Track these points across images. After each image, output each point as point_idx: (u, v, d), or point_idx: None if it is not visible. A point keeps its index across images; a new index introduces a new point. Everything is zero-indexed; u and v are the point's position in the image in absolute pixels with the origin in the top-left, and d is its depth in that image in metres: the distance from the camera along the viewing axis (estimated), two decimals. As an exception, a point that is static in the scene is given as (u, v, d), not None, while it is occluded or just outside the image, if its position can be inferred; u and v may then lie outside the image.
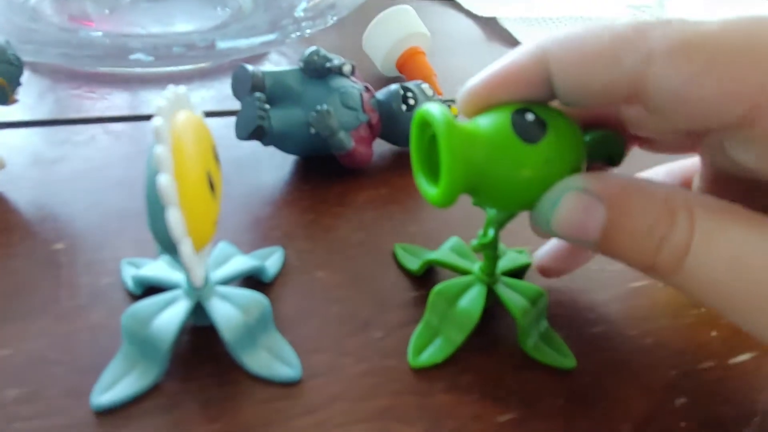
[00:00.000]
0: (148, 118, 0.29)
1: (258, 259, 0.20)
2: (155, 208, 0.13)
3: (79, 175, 0.24)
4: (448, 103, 0.27)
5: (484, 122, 0.14)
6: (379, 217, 0.24)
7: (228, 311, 0.17)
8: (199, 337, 0.17)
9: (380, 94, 0.26)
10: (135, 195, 0.23)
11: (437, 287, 0.18)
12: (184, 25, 0.35)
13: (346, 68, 0.24)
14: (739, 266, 0.11)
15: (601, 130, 0.16)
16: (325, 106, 0.23)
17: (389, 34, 0.33)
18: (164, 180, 0.12)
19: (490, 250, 0.18)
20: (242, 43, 0.29)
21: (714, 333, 0.19)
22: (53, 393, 0.15)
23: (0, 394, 0.15)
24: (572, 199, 0.13)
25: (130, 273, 0.19)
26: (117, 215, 0.22)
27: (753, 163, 0.12)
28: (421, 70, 0.33)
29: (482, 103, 0.14)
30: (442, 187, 0.13)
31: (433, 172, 0.15)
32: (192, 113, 0.15)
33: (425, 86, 0.26)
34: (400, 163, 0.27)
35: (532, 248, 0.21)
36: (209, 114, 0.30)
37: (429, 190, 0.15)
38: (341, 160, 0.25)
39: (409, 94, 0.25)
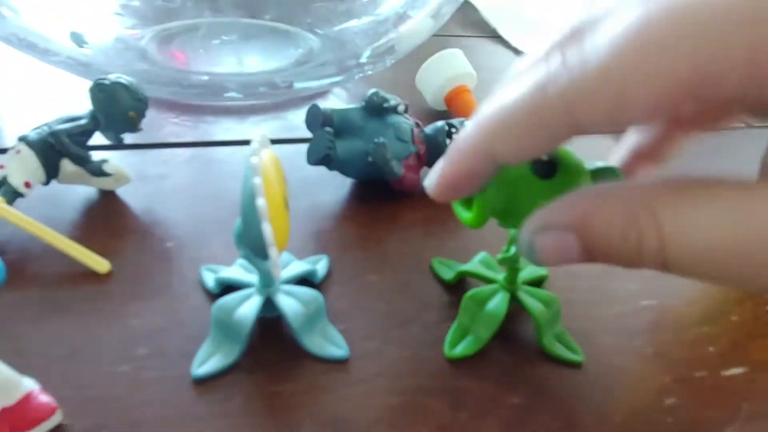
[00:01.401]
0: (232, 143, 0.35)
1: (310, 264, 0.24)
2: (251, 223, 0.17)
3: (180, 189, 0.30)
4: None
5: None
6: (422, 234, 0.28)
7: (292, 304, 0.21)
8: (267, 326, 0.22)
9: (428, 129, 0.30)
10: (222, 206, 0.28)
11: (469, 293, 0.22)
12: (265, 62, 0.41)
13: (401, 107, 0.29)
14: (713, 243, 0.11)
15: (601, 164, 0.19)
16: (381, 139, 0.27)
17: (439, 74, 0.37)
18: (261, 202, 0.17)
19: (513, 263, 0.21)
20: (315, 84, 0.35)
21: (712, 348, 0.21)
22: (170, 352, 0.20)
23: (134, 351, 0.20)
24: (545, 240, 0.14)
25: (209, 276, 0.24)
26: (210, 222, 0.27)
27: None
28: (467, 106, 0.37)
29: (444, 199, 0.16)
30: (474, 213, 0.17)
31: (466, 199, 0.19)
32: (271, 151, 0.20)
33: (467, 122, 0.30)
34: (443, 188, 0.31)
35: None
36: (282, 141, 0.35)
37: (464, 214, 0.18)
38: (392, 184, 0.29)
39: (453, 130, 0.29)
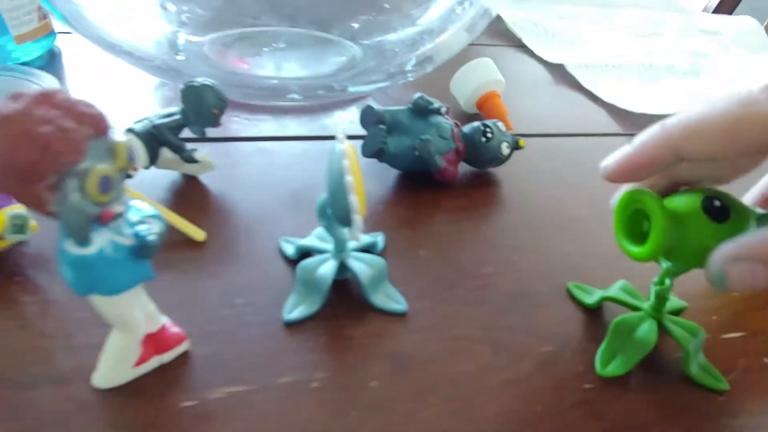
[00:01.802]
0: (290, 138, 0.40)
1: (371, 238, 0.29)
2: (339, 196, 0.22)
3: (249, 176, 0.35)
4: (517, 137, 0.36)
5: (680, 204, 0.20)
6: (460, 217, 0.32)
7: (361, 266, 0.26)
8: (338, 286, 0.27)
9: (466, 128, 0.35)
10: (285, 191, 0.33)
11: (618, 319, 0.24)
12: (312, 68, 0.46)
13: (443, 110, 0.34)
14: None
15: (761, 210, 0.20)
16: (427, 136, 0.32)
17: (472, 80, 0.42)
18: (349, 179, 0.21)
19: (664, 294, 0.23)
20: (366, 88, 0.40)
21: (714, 317, 0.26)
22: (262, 303, 0.25)
23: (234, 300, 0.25)
24: (737, 269, 0.17)
25: (287, 246, 0.29)
26: (277, 204, 0.32)
27: None
28: (497, 110, 0.41)
29: (620, 181, 0.20)
30: (649, 249, 0.19)
31: (631, 234, 0.21)
32: (349, 143, 0.25)
33: (500, 124, 0.35)
34: (476, 181, 0.36)
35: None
36: (329, 137, 0.40)
37: (632, 249, 0.20)
38: (435, 175, 0.34)
39: (488, 130, 0.34)
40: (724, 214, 0.19)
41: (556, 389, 0.23)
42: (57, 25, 0.48)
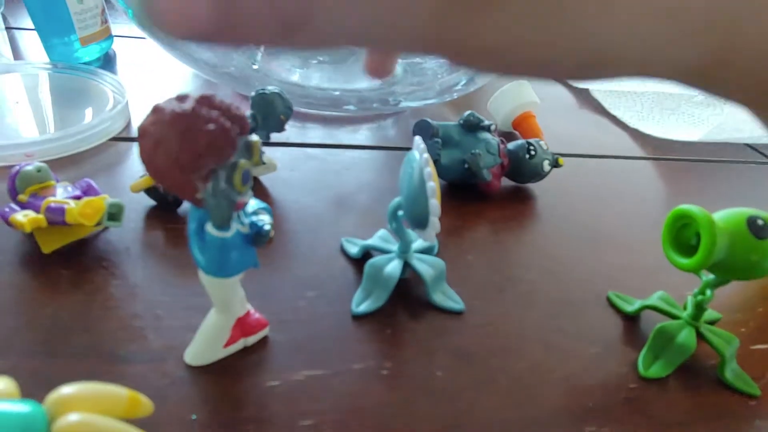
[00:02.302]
0: (338, 147, 0.42)
1: (430, 243, 0.31)
2: (419, 200, 0.24)
3: (305, 180, 0.37)
4: (556, 156, 0.38)
5: (726, 221, 0.22)
6: (502, 227, 0.35)
7: (425, 267, 0.28)
8: (399, 285, 0.29)
9: (511, 145, 0.37)
10: (337, 195, 0.35)
11: (658, 326, 0.26)
12: (358, 83, 0.49)
13: (492, 127, 0.36)
14: None
15: None
16: (477, 151, 0.34)
17: (509, 101, 0.45)
18: (431, 185, 0.24)
19: (703, 305, 0.26)
20: (417, 104, 0.42)
21: (743, 329, 0.28)
22: (331, 296, 0.27)
23: (305, 293, 0.27)
24: None
25: (348, 245, 0.31)
26: (334, 205, 0.34)
27: None
28: (533, 129, 0.44)
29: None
30: (698, 260, 0.22)
31: (677, 245, 0.23)
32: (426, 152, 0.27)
33: (542, 143, 0.37)
34: (516, 194, 0.39)
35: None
36: (379, 147, 0.42)
37: (680, 260, 0.23)
38: (481, 187, 0.36)
39: (531, 148, 0.36)
40: (765, 232, 0.22)
41: (603, 387, 0.25)
42: (114, 29, 0.51)
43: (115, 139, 0.38)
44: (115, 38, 0.52)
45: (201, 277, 0.21)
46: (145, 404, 0.16)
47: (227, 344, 0.23)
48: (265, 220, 0.20)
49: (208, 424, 0.21)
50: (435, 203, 0.23)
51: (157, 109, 0.16)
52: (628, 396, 0.25)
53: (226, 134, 0.16)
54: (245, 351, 0.24)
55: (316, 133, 0.43)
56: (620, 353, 0.27)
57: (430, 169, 0.24)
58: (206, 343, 0.23)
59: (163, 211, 0.31)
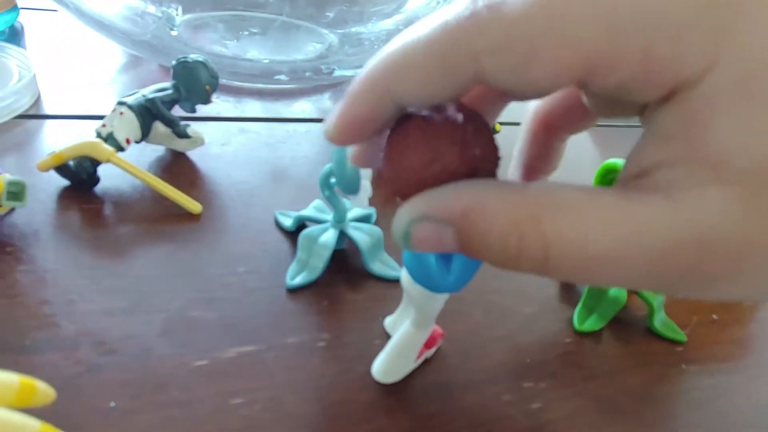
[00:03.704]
0: (273, 120, 0.40)
1: (367, 210, 0.30)
2: (346, 163, 0.23)
3: (238, 154, 0.35)
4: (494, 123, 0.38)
5: None
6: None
7: (361, 235, 0.27)
8: (336, 255, 0.28)
9: (448, 112, 0.37)
10: (271, 169, 0.34)
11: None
12: (293, 55, 0.47)
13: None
14: (592, 251, 0.11)
15: None
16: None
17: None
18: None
19: None
20: (351, 72, 0.41)
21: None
22: (264, 270, 0.26)
23: (236, 269, 0.26)
24: (421, 231, 0.13)
25: (283, 218, 0.29)
26: (268, 179, 0.33)
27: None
28: (471, 98, 0.44)
29: (350, 143, 0.14)
30: None
31: None
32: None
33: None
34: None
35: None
36: (315, 120, 0.41)
37: None
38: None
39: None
40: None
41: (540, 344, 0.25)
42: (20, 1, 0.46)
43: (24, 116, 0.34)
44: (22, 10, 0.47)
45: (416, 294, 0.20)
46: (42, 392, 0.15)
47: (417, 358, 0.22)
48: None
49: (128, 411, 0.19)
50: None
51: (422, 122, 0.13)
52: (564, 351, 0.25)
53: (494, 143, 0.14)
54: (167, 333, 0.22)
55: (251, 107, 0.41)
56: (556, 311, 0.27)
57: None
58: (400, 358, 0.22)
59: (78, 191, 0.29)
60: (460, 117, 0.15)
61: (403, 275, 0.20)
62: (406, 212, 0.13)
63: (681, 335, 0.27)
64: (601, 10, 0.10)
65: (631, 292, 0.27)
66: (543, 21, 0.11)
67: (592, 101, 0.15)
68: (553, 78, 0.11)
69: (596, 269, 0.11)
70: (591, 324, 0.26)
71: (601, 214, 0.11)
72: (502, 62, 0.11)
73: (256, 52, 0.44)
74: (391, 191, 0.15)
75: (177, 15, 0.40)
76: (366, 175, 0.23)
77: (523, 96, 0.14)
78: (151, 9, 0.38)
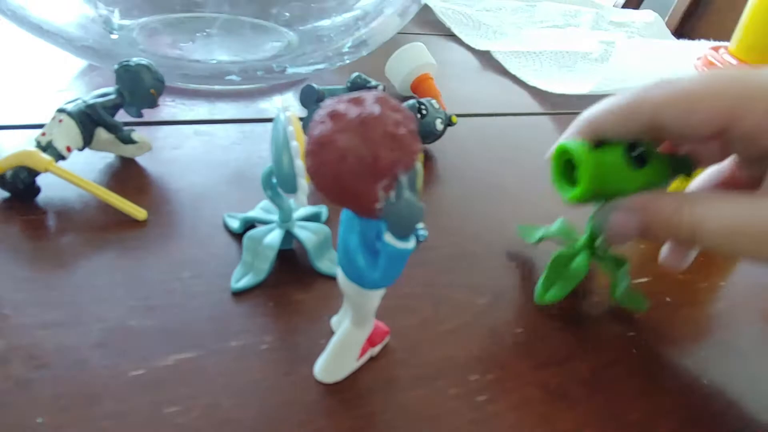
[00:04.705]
0: (227, 122, 0.40)
1: (316, 208, 0.30)
2: (284, 162, 0.23)
3: (190, 158, 0.35)
4: (450, 114, 0.38)
5: (606, 152, 0.22)
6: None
7: (307, 234, 0.27)
8: (284, 255, 0.27)
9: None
10: (225, 172, 0.33)
11: (555, 253, 0.26)
12: (251, 54, 0.46)
13: (380, 88, 0.35)
14: (732, 225, 0.18)
15: (680, 155, 0.24)
16: (364, 113, 0.33)
17: (406, 63, 0.44)
18: (295, 144, 0.22)
19: (595, 231, 0.26)
20: (304, 69, 0.40)
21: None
22: (209, 275, 0.25)
23: (181, 274, 0.25)
24: (617, 216, 0.22)
25: (231, 220, 0.29)
26: (218, 183, 0.32)
27: None
28: (430, 91, 0.43)
29: (594, 132, 0.23)
30: (578, 192, 0.22)
31: (565, 179, 0.23)
32: (292, 112, 0.26)
33: (434, 102, 0.37)
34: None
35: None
36: (271, 120, 0.40)
37: (566, 193, 0.23)
38: (373, 151, 0.35)
39: (422, 107, 0.36)
40: (641, 161, 0.22)
41: (491, 335, 0.25)
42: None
43: (-35, 128, 0.34)
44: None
45: (351, 292, 0.19)
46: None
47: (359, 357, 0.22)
48: (419, 226, 0.18)
49: (57, 426, 0.19)
50: (300, 164, 0.22)
51: (336, 115, 0.14)
52: (514, 341, 0.25)
53: (414, 137, 0.15)
54: (103, 344, 0.22)
55: (205, 110, 0.41)
56: (509, 300, 0.27)
57: (293, 128, 0.22)
58: (341, 358, 0.22)
59: (16, 202, 0.28)
60: (377, 109, 0.15)
61: (339, 274, 0.20)
62: (606, 209, 0.22)
63: (643, 303, 0.27)
64: (738, 83, 0.19)
65: (595, 270, 0.27)
66: (700, 88, 0.20)
67: (733, 150, 0.22)
68: (706, 121, 0.20)
69: (730, 237, 0.18)
70: (552, 294, 0.26)
71: (735, 202, 0.19)
72: (673, 112, 0.20)
73: (220, 54, 0.43)
74: (316, 187, 0.16)
75: (115, 18, 0.39)
76: (302, 173, 0.22)
77: (685, 136, 0.21)
78: (89, 11, 0.38)
